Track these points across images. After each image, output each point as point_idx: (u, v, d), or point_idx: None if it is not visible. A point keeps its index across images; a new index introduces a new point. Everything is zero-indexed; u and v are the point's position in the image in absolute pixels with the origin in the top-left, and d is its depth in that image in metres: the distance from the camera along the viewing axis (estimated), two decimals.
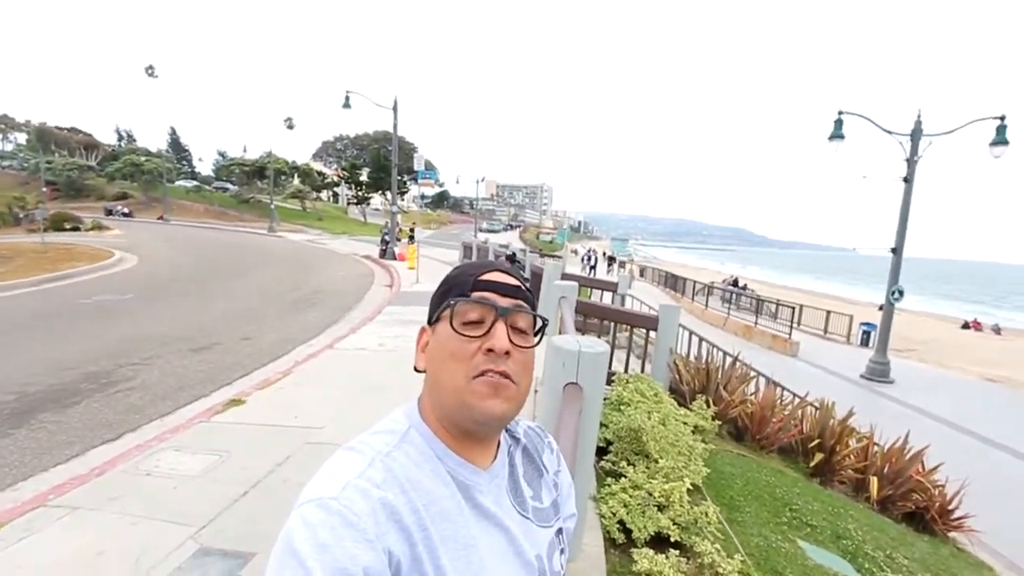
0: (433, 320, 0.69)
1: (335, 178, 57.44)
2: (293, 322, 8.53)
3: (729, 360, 6.06)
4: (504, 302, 0.66)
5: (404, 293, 11.93)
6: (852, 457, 4.99)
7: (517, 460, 0.74)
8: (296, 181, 49.59)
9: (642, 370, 5.53)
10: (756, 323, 18.07)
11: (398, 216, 22.50)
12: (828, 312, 19.38)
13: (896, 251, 13.32)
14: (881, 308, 13.95)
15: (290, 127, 44.47)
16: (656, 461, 3.21)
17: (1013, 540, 5.43)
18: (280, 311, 9.41)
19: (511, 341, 0.64)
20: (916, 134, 12.84)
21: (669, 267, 44.39)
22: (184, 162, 66.93)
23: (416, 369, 0.71)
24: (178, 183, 50.47)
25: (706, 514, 2.64)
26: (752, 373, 6.11)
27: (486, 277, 0.67)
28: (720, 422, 4.55)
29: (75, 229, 24.38)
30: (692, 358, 6.28)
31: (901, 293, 13.44)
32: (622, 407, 3.88)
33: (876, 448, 5.23)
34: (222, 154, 60.16)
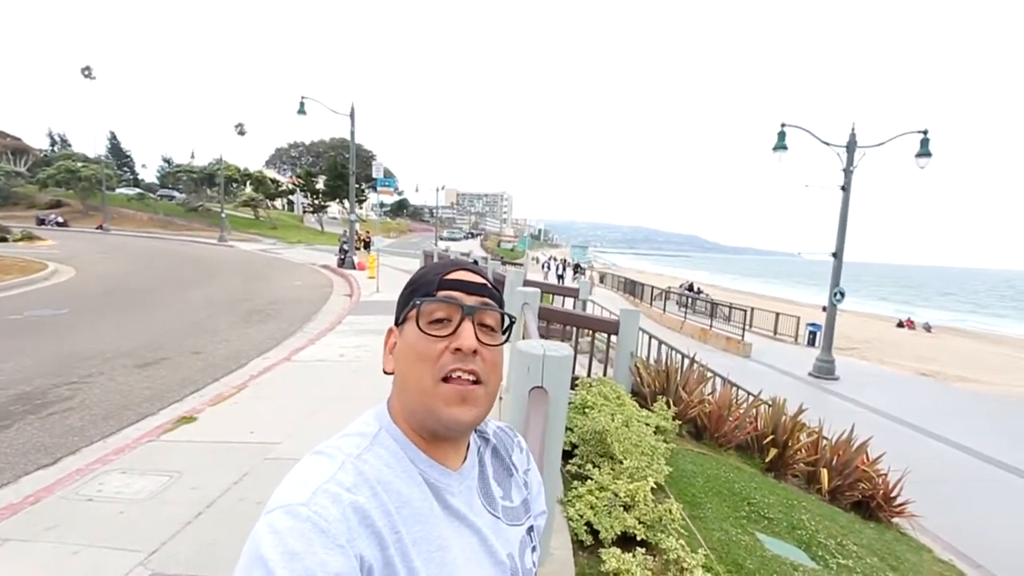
0: (400, 321, 0.69)
1: (290, 186, 55.82)
2: (247, 334, 8.21)
3: (687, 362, 6.25)
4: (470, 300, 0.66)
5: (364, 302, 11.70)
6: (804, 451, 5.23)
7: (487, 460, 0.74)
8: (248, 189, 47.87)
9: (604, 374, 5.63)
10: (711, 326, 18.71)
11: (357, 225, 22.07)
12: (777, 314, 20.31)
13: (837, 255, 14.12)
14: (825, 309, 14.72)
15: (241, 133, 42.92)
16: (621, 462, 3.28)
17: (948, 523, 5.82)
18: (233, 323, 9.03)
19: (479, 339, 0.64)
20: (851, 146, 13.71)
21: (628, 273, 45.43)
22: (126, 168, 63.45)
23: (384, 371, 0.70)
24: (119, 191, 47.74)
25: (670, 511, 2.71)
26: (709, 374, 6.32)
27: (452, 276, 0.67)
28: (680, 422, 4.68)
29: (2, 240, 22.66)
30: (652, 361, 6.44)
31: (842, 295, 14.24)
32: (586, 410, 3.94)
33: (825, 441, 5.50)
34: (168, 160, 57.41)
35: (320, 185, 50.63)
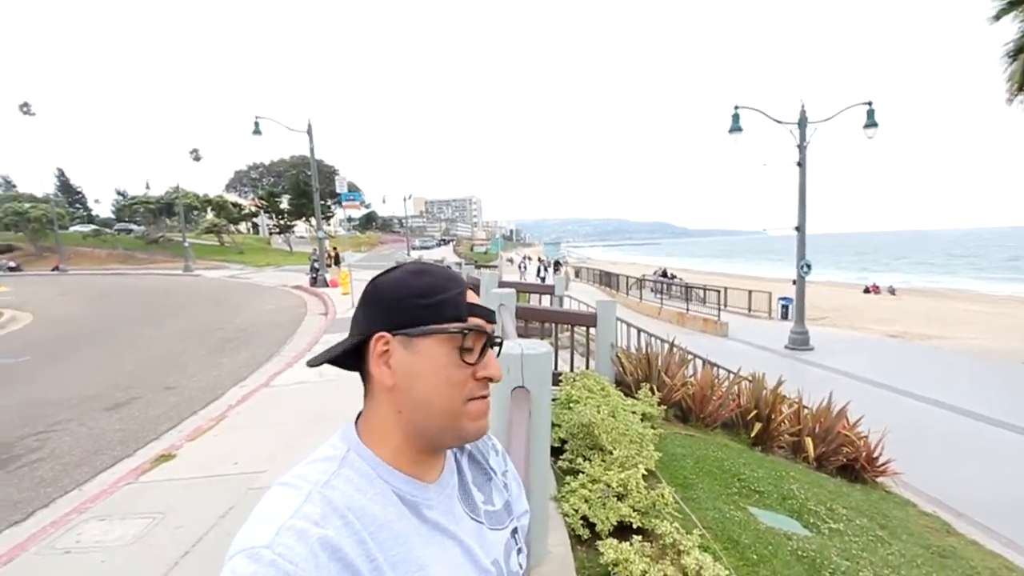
0: (414, 332, 0.62)
1: (253, 208, 54.58)
2: (222, 364, 7.98)
3: (667, 347, 6.34)
4: (490, 328, 0.66)
5: (340, 319, 11.52)
6: (787, 422, 5.36)
7: (464, 467, 0.73)
8: (210, 215, 46.63)
9: (587, 367, 5.66)
10: (688, 309, 19.03)
11: (326, 242, 21.73)
12: (750, 292, 20.79)
13: (799, 229, 14.53)
14: (794, 282, 15.13)
15: (197, 159, 41.79)
16: (610, 452, 3.30)
17: (928, 477, 6.04)
18: (206, 354, 8.78)
19: None
20: (803, 122, 14.13)
21: (602, 265, 45.84)
22: (78, 205, 61.08)
23: (385, 385, 0.64)
24: (73, 228, 45.95)
25: (663, 496, 2.74)
26: (689, 356, 6.42)
27: (474, 301, 0.66)
28: (665, 406, 4.74)
29: None
30: (633, 349, 6.50)
31: (809, 267, 14.67)
32: (572, 405, 3.95)
33: (806, 411, 5.65)
34: (122, 193, 55.31)
35: (284, 205, 49.66)
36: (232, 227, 50.03)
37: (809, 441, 5.26)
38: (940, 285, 41.04)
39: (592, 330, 5.54)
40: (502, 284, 7.79)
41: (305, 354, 8.09)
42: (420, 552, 0.59)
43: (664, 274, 29.71)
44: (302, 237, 56.22)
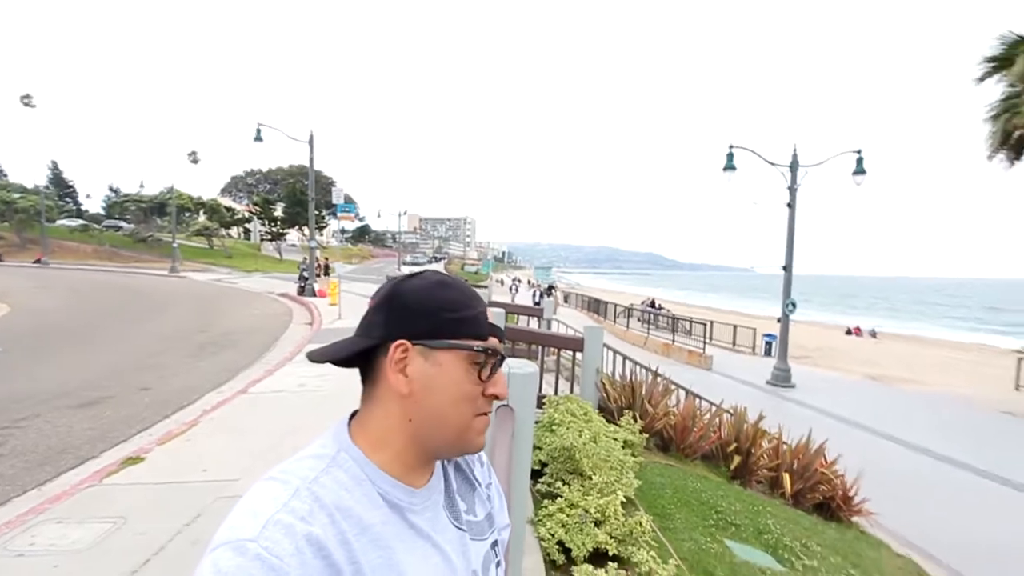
0: (436, 344, 0.63)
1: (246, 214, 54.33)
2: (200, 368, 7.83)
3: (651, 376, 6.35)
4: (501, 347, 0.68)
5: (326, 330, 11.40)
6: (766, 457, 5.37)
7: (451, 475, 0.73)
8: (202, 217, 46.28)
9: (571, 391, 5.64)
10: (673, 340, 19.13)
11: (317, 251, 21.63)
12: (735, 327, 20.98)
13: (787, 268, 14.79)
14: (779, 320, 15.32)
15: (194, 161, 41.68)
16: (590, 478, 3.27)
17: (903, 519, 6.05)
18: (185, 356, 8.61)
19: None
20: (794, 166, 14.53)
21: (591, 292, 46.09)
22: (68, 199, 60.25)
23: (401, 393, 0.64)
24: (60, 222, 45.21)
25: (640, 524, 2.72)
26: (673, 387, 6.43)
27: (491, 320, 0.68)
28: (647, 435, 4.73)
29: None
30: (618, 377, 6.50)
31: (794, 305, 14.88)
32: (554, 428, 3.93)
33: (785, 447, 5.66)
34: (115, 190, 54.74)
35: (278, 212, 49.49)
36: (223, 231, 49.65)
37: (787, 477, 5.26)
38: (918, 331, 41.75)
39: (578, 355, 5.54)
40: (491, 304, 7.80)
41: (287, 363, 7.97)
42: (401, 558, 0.59)
43: (652, 304, 29.93)
44: (293, 245, 55.94)
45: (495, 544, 0.74)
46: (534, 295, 36.54)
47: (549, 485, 3.26)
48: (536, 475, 3.33)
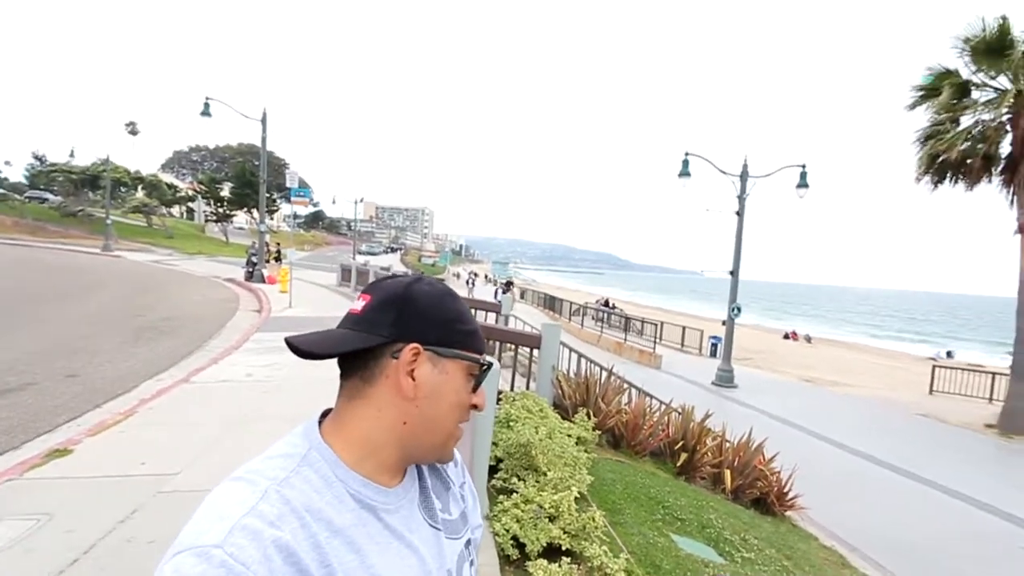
0: (443, 354, 0.65)
1: (190, 192, 51.37)
2: (137, 354, 7.37)
3: (605, 374, 6.51)
4: (485, 360, 0.70)
5: (276, 318, 10.98)
6: (710, 454, 5.62)
7: (425, 474, 0.73)
8: (140, 193, 43.39)
9: (527, 387, 5.70)
10: (625, 339, 19.65)
11: (267, 236, 20.76)
12: (684, 328, 21.79)
13: (734, 274, 15.49)
14: (724, 323, 16.04)
15: (133, 132, 38.95)
16: (545, 474, 3.33)
17: (830, 513, 6.50)
18: (120, 342, 8.08)
19: None
20: (744, 176, 15.22)
21: (547, 289, 46.61)
22: None
23: (406, 396, 0.63)
24: None
25: (593, 520, 2.79)
26: (625, 385, 6.62)
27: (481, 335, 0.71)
28: (600, 432, 4.85)
29: None
30: (572, 374, 6.63)
31: (739, 310, 15.61)
32: (511, 424, 3.96)
33: (728, 444, 5.95)
34: (39, 158, 50.41)
35: (225, 193, 47.08)
36: (164, 209, 46.76)
37: (728, 473, 5.53)
38: (848, 337, 44.80)
39: (535, 351, 5.60)
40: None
41: (233, 351, 7.63)
42: (375, 560, 0.58)
43: (606, 304, 30.58)
44: (241, 228, 53.39)
45: (469, 543, 0.75)
46: (495, 293, 36.19)
47: (505, 481, 3.29)
48: (492, 471, 3.35)
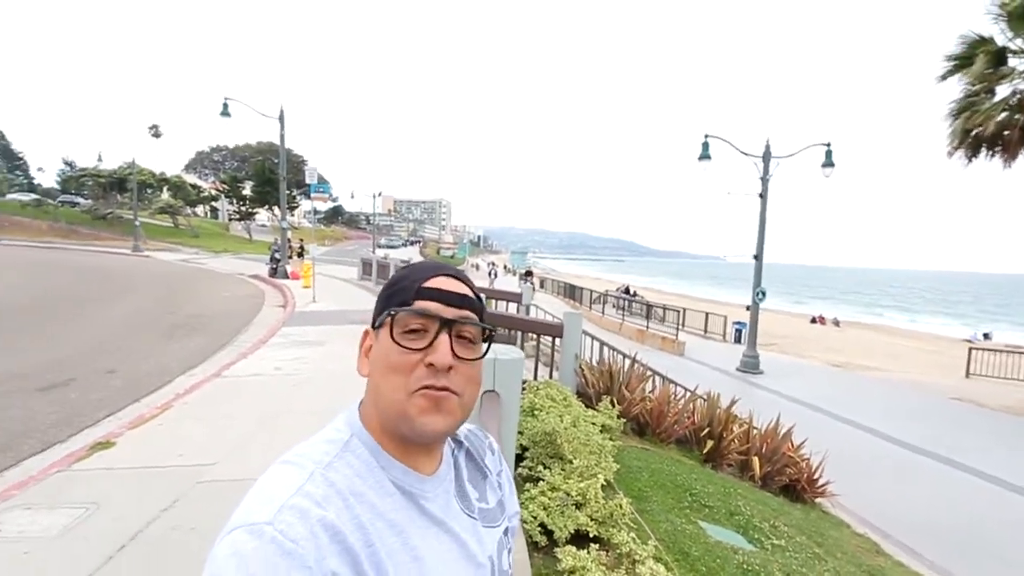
0: (376, 325, 0.67)
1: (213, 192, 52.48)
2: (170, 351, 7.62)
3: (628, 362, 6.48)
4: (449, 313, 0.63)
5: (300, 313, 11.20)
6: (736, 441, 5.56)
7: (461, 463, 0.73)
8: (166, 195, 44.50)
9: (550, 376, 5.71)
10: (647, 327, 19.47)
11: (288, 232, 21.11)
12: (707, 314, 21.48)
13: (758, 257, 15.17)
14: (748, 308, 15.76)
15: (156, 135, 39.86)
16: (570, 462, 3.34)
17: (862, 500, 6.38)
18: (154, 340, 8.35)
19: (455, 354, 0.62)
20: (766, 156, 14.82)
21: (566, 278, 46.42)
22: (19, 172, 57.07)
23: (360, 374, 0.68)
24: (11, 196, 42.85)
25: (620, 507, 2.79)
26: (648, 373, 6.58)
27: (431, 284, 0.64)
28: (624, 420, 4.84)
29: None
30: (595, 362, 6.61)
31: (764, 294, 15.31)
32: (535, 412, 3.98)
33: (755, 431, 5.88)
34: (70, 164, 51.98)
35: (247, 191, 47.97)
36: (189, 209, 47.93)
37: (756, 460, 5.47)
38: (879, 320, 43.59)
39: (557, 340, 5.60)
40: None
41: (261, 346, 7.82)
42: (416, 543, 0.60)
43: (626, 291, 30.34)
44: (263, 225, 54.43)
45: (507, 531, 0.76)
46: (524, 282, 34.78)
47: (530, 469, 3.32)
48: (518, 460, 3.37)
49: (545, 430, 3.55)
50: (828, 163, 14.35)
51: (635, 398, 5.34)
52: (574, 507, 2.84)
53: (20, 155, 60.24)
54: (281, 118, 19.21)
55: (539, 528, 2.68)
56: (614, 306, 24.44)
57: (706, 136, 14.85)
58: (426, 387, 0.61)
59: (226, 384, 5.87)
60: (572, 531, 2.66)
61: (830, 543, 4.22)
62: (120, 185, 40.07)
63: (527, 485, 3.08)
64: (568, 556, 2.29)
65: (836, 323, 34.33)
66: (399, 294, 0.65)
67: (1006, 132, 11.75)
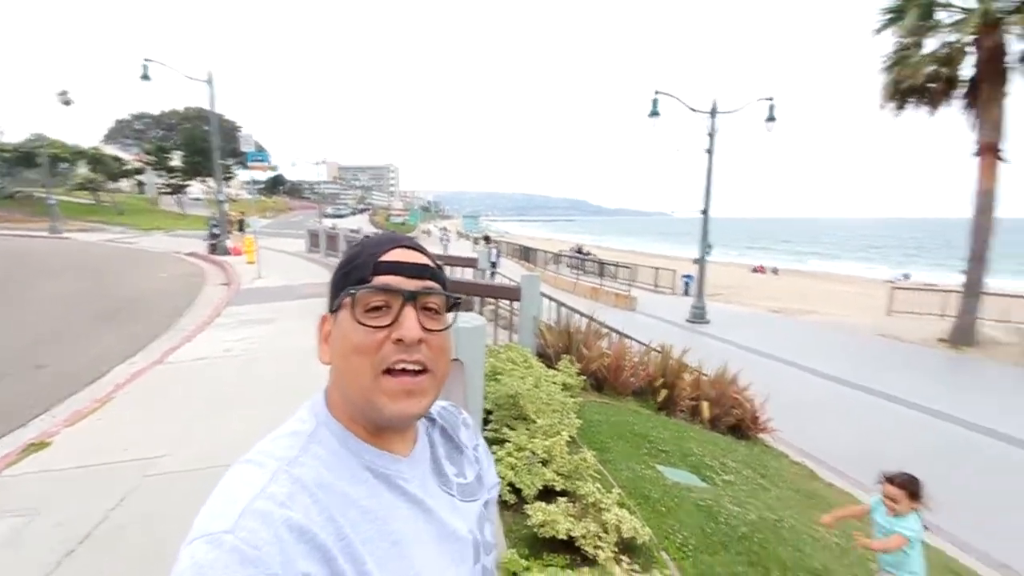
0: (334, 308, 0.63)
1: (137, 164, 48.38)
2: (106, 338, 7.13)
3: (585, 321, 6.62)
4: (411, 284, 0.61)
5: (246, 291, 10.71)
6: (688, 389, 5.86)
7: (436, 440, 0.72)
8: (83, 169, 40.68)
9: (510, 339, 5.78)
10: (601, 284, 19.93)
11: (226, 205, 19.89)
12: (657, 269, 22.20)
13: (705, 212, 15.66)
14: (696, 261, 16.36)
15: (66, 103, 35.83)
16: (534, 421, 3.42)
17: (800, 434, 6.92)
18: (87, 327, 7.79)
19: (423, 327, 0.60)
20: (713, 112, 15.10)
21: (520, 240, 46.50)
22: None
23: (321, 362, 0.65)
24: None
25: (585, 460, 2.91)
26: (605, 330, 6.77)
27: (388, 257, 0.62)
28: (584, 376, 4.99)
29: None
30: (553, 323, 6.72)
31: (711, 247, 15.91)
32: (497, 376, 4.03)
33: (704, 378, 6.21)
34: None
35: (176, 162, 44.55)
36: (111, 184, 44.09)
37: (706, 405, 5.80)
38: (815, 266, 46.47)
39: (515, 304, 5.63)
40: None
41: (206, 328, 7.45)
42: (394, 527, 0.58)
43: (579, 250, 30.77)
44: (197, 199, 50.95)
45: (487, 503, 0.75)
46: (489, 253, 33.11)
47: (496, 431, 3.38)
48: (483, 424, 3.42)
49: (508, 392, 3.61)
50: (771, 118, 14.79)
51: (593, 355, 5.50)
52: (540, 464, 2.92)
53: None
54: (210, 81, 17.74)
55: (508, 487, 2.76)
56: (567, 265, 24.79)
57: (656, 93, 14.92)
58: (396, 364, 0.59)
59: (170, 371, 5.58)
60: (540, 487, 2.76)
61: (772, 474, 4.58)
62: (28, 160, 36.18)
63: (493, 447, 3.14)
64: (538, 512, 2.37)
65: (775, 271, 36.34)
66: (355, 272, 0.62)
67: (932, 84, 12.43)
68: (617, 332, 7.34)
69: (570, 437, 3.29)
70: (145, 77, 16.23)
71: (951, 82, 12.26)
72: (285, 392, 4.22)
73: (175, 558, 0.48)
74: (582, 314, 6.92)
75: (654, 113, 14.97)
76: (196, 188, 50.26)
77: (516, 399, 3.55)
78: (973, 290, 12.33)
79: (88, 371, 5.72)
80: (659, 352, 6.24)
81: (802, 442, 6.73)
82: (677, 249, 57.71)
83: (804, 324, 15.26)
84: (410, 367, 0.59)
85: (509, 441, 3.12)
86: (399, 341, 0.59)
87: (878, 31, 12.93)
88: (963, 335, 12.24)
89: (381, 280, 0.60)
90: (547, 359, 5.25)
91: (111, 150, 50.39)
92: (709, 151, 15.35)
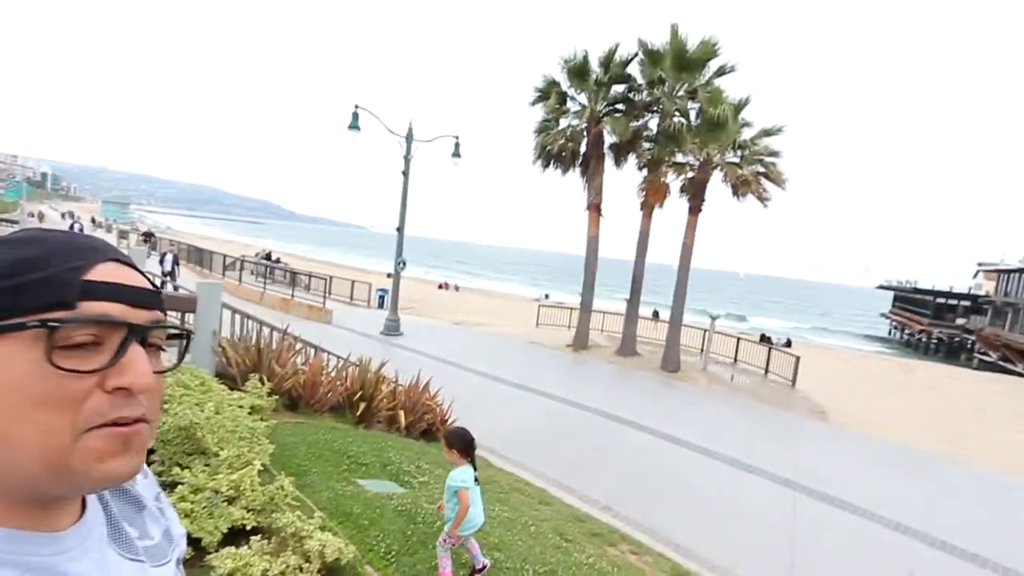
0: None
1: None
2: None
3: (277, 335, 6.06)
4: (139, 316, 0.47)
5: None
6: (385, 400, 6.05)
7: (108, 500, 0.58)
8: None
9: (180, 359, 4.78)
10: (292, 295, 18.54)
11: None
12: (353, 282, 22.09)
13: (399, 230, 16.53)
14: (390, 276, 17.09)
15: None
16: (217, 455, 2.94)
17: (479, 427, 7.99)
18: None
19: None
20: (409, 137, 16.19)
21: (190, 239, 38.90)
22: None
23: None
24: None
25: (282, 488, 2.67)
26: (299, 344, 6.34)
27: (100, 276, 0.46)
28: (276, 396, 4.55)
29: None
30: (237, 338, 5.90)
31: (405, 263, 16.86)
32: (164, 406, 3.29)
33: (400, 388, 6.53)
34: None
35: None
36: None
37: (402, 414, 6.11)
38: (484, 285, 54.91)
39: (189, 316, 4.71)
40: None
41: None
42: None
43: (268, 257, 27.86)
44: None
45: (179, 561, 0.65)
46: (162, 260, 22.38)
47: (161, 474, 2.75)
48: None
49: (180, 424, 3.00)
50: (456, 154, 16.81)
51: (287, 372, 5.09)
52: (226, 503, 2.54)
53: None
54: None
55: None
56: (253, 273, 22.11)
57: (356, 107, 14.98)
58: (113, 422, 0.44)
59: None
60: (225, 530, 2.39)
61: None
62: None
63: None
64: (226, 559, 2.05)
65: (456, 288, 41.22)
66: (42, 291, 0.43)
67: (563, 153, 16.52)
68: (313, 346, 7.00)
69: (262, 466, 2.96)
70: None
71: (575, 154, 16.62)
72: None
73: None
74: (273, 328, 6.32)
75: (354, 127, 15.05)
76: None
77: (191, 431, 2.98)
78: (586, 308, 16.84)
79: None
80: (357, 365, 6.24)
81: (479, 435, 7.80)
82: (373, 263, 58.87)
83: (479, 334, 17.79)
84: (130, 424, 0.46)
85: (182, 483, 2.60)
86: (120, 390, 0.45)
87: (532, 103, 16.53)
88: (580, 341, 16.56)
89: (97, 308, 0.45)
90: (231, 380, 4.58)
91: None
92: (404, 173, 16.36)
